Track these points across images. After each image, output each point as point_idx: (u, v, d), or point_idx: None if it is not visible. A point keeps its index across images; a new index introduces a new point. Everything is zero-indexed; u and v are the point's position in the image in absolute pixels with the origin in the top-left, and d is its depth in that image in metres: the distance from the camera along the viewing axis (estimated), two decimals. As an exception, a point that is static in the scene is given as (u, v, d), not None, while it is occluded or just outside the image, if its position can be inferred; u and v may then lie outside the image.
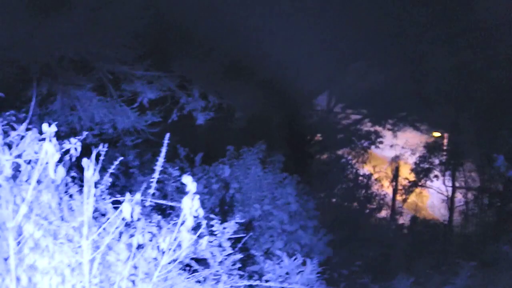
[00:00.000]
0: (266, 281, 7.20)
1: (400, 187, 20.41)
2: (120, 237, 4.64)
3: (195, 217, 4.22)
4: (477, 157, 20.23)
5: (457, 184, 20.88)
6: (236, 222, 6.13)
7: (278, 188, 10.89)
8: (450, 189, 20.71)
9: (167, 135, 5.18)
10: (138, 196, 4.24)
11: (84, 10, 9.23)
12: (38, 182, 4.27)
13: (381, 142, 19.10)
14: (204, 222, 4.58)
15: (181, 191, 8.65)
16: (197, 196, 4.14)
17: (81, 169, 4.42)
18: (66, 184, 4.80)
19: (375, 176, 18.33)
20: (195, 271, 5.59)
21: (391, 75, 17.05)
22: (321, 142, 17.52)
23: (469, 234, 16.34)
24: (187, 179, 4.15)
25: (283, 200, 10.67)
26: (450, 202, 20.69)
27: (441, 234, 15.02)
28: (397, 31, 14.53)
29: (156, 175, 5.04)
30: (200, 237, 4.58)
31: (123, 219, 4.30)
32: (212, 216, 6.13)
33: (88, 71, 10.11)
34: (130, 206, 4.09)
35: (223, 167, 10.56)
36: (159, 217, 5.27)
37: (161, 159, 5.06)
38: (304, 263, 7.53)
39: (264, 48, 12.25)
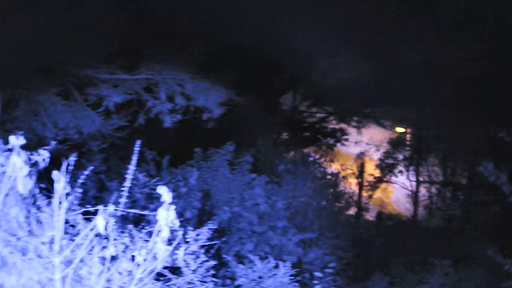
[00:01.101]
0: (239, 286, 7.14)
1: (365, 184, 20.53)
2: (91, 249, 4.49)
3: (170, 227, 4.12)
4: (440, 152, 20.49)
5: (421, 179, 21.12)
6: (209, 229, 6.03)
7: (247, 189, 10.80)
8: (414, 183, 20.95)
9: (138, 142, 5.03)
10: (111, 208, 4.11)
11: (48, 13, 8.99)
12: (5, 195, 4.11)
13: (346, 140, 19.18)
14: (180, 233, 4.46)
15: (150, 196, 8.52)
16: (173, 207, 4.03)
17: (48, 179, 4.27)
18: (33, 196, 4.64)
19: (342, 173, 18.40)
20: (169, 280, 5.47)
21: (357, 72, 17.13)
22: (287, 141, 17.52)
23: (438, 230, 16.46)
24: (162, 190, 4.03)
25: (252, 202, 10.58)
26: (414, 196, 20.93)
27: (410, 230, 15.12)
28: (364, 28, 14.58)
29: (127, 184, 4.89)
30: (176, 247, 4.47)
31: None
32: (183, 223, 6.02)
33: (52, 75, 9.87)
34: (104, 219, 3.96)
35: (191, 170, 10.44)
36: (130, 225, 5.14)
37: (132, 167, 4.91)
38: (276, 266, 7.48)
39: (233, 48, 12.19)
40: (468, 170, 19.15)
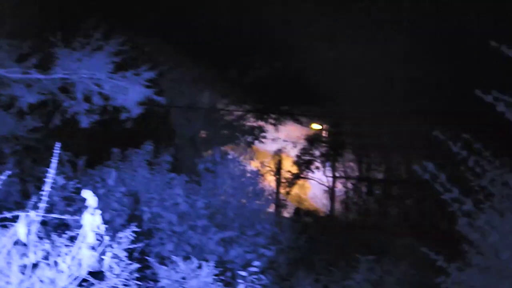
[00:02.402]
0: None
1: (283, 180, 20.72)
2: (10, 258, 4.31)
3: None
4: (356, 148, 20.99)
5: (337, 174, 21.56)
6: (132, 231, 5.90)
7: (166, 189, 10.72)
8: (330, 179, 21.37)
9: (58, 145, 4.86)
10: (33, 214, 3.95)
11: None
12: None
13: (264, 137, 19.27)
14: (106, 238, 4.34)
15: (68, 199, 8.30)
16: (99, 211, 3.92)
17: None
18: None
19: (261, 170, 18.48)
20: (92, 285, 5.32)
21: (274, 70, 17.29)
22: (205, 140, 17.45)
23: (356, 225, 16.85)
24: (87, 194, 3.92)
25: (171, 201, 10.50)
26: (331, 192, 21.34)
27: (329, 226, 15.40)
28: (280, 25, 14.72)
29: (47, 187, 4.72)
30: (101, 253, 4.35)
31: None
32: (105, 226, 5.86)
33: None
34: (25, 226, 3.80)
35: (109, 170, 10.25)
36: (50, 231, 4.97)
37: (52, 170, 4.74)
38: (200, 266, 7.43)
39: (151, 46, 12.02)
40: (385, 166, 19.72)
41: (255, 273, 7.05)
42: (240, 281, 7.12)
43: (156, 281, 7.32)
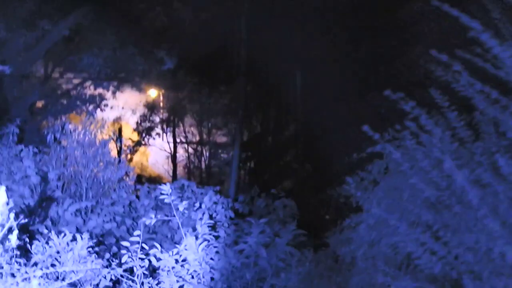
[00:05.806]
0: (35, 264, 6.77)
1: (124, 148, 20.38)
2: None
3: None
4: (196, 113, 21.21)
5: (178, 140, 21.66)
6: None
7: (15, 161, 10.23)
8: (172, 145, 21.45)
9: None
10: None
11: None
12: None
13: (106, 105, 18.70)
14: (12, 216, 4.07)
15: None
16: (3, 188, 3.67)
17: None
18: None
19: (104, 138, 18.03)
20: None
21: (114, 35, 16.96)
22: (44, 109, 16.59)
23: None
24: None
25: (21, 174, 10.05)
26: (172, 157, 21.43)
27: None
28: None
29: None
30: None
31: None
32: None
33: None
34: None
35: None
36: None
37: None
38: (74, 239, 7.17)
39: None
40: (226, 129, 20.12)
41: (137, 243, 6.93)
42: (123, 252, 6.96)
43: (28, 258, 6.96)
